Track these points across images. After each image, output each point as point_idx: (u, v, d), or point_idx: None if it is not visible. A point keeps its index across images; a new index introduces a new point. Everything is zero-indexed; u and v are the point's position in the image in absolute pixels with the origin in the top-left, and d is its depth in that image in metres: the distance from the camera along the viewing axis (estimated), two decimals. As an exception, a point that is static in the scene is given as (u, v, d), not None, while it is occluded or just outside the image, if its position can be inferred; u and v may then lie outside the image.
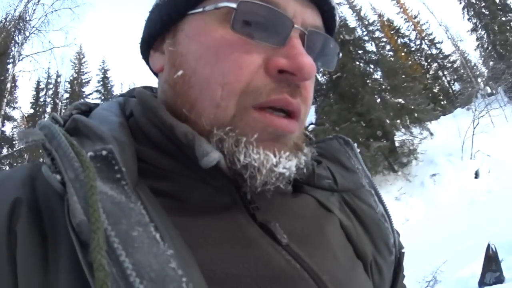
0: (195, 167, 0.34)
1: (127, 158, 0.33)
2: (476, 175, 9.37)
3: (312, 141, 0.53)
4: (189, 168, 0.36)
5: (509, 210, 5.25)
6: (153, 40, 0.43)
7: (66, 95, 20.23)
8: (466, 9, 19.06)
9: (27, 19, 10.83)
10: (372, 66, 10.87)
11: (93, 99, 21.64)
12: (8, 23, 11.13)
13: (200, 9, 0.37)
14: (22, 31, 10.90)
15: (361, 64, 10.69)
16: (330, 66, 0.44)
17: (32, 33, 10.66)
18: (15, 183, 0.32)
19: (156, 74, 0.45)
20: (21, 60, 10.68)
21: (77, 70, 21.37)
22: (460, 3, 19.18)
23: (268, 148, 0.35)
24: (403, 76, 11.43)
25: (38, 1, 10.68)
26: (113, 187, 0.29)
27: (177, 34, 0.39)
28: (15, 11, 10.91)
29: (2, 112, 10.12)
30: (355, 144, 0.55)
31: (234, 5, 0.35)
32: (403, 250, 0.52)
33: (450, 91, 19.07)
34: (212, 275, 0.30)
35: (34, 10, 10.77)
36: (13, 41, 11.18)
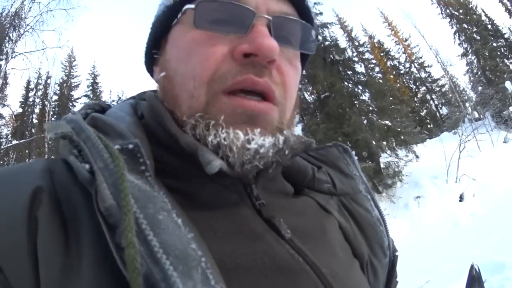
0: (203, 168, 0.36)
1: (147, 154, 0.36)
2: (461, 198, 9.42)
3: (312, 148, 0.53)
4: (197, 168, 0.37)
5: (492, 233, 5.31)
6: (153, 56, 0.48)
7: (55, 97, 20.06)
8: (457, 34, 19.49)
9: (23, 16, 10.67)
10: (360, 87, 10.95)
11: (81, 103, 21.45)
12: (3, 19, 10.97)
13: (175, 20, 0.43)
14: (17, 28, 10.71)
15: (349, 85, 10.77)
16: (306, 48, 0.45)
17: (26, 31, 10.50)
18: (35, 173, 0.34)
19: None
20: (14, 57, 10.44)
21: (67, 73, 21.26)
22: (452, 27, 19.63)
23: (238, 128, 0.37)
24: (391, 98, 11.58)
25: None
26: (137, 177, 0.32)
27: (166, 44, 0.44)
28: (11, 7, 10.79)
29: None
30: (353, 152, 0.57)
31: (193, 6, 0.40)
32: (396, 253, 0.55)
33: (437, 114, 19.37)
34: (223, 264, 0.31)
35: (30, 8, 10.63)
36: (7, 38, 11.00)
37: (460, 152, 10.33)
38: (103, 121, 0.39)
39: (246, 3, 0.39)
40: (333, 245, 0.44)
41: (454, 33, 19.65)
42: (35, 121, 19.11)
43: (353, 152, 0.58)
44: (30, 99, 19.57)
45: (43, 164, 0.36)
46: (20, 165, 0.38)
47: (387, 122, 10.70)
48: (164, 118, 0.40)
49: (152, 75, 0.49)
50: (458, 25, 19.43)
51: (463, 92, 18.60)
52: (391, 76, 19.51)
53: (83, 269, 0.28)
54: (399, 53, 21.87)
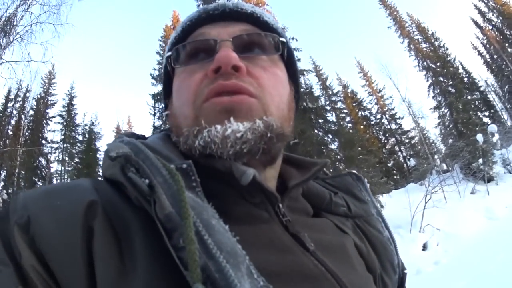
0: (236, 187, 0.42)
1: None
2: (424, 247, 9.51)
3: (329, 176, 0.63)
4: (231, 187, 0.44)
5: (454, 280, 5.41)
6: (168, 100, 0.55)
7: (32, 112, 19.89)
8: (432, 87, 20.16)
9: (14, 23, 10.55)
10: (330, 136, 11.30)
11: (55, 123, 21.12)
12: None
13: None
14: (7, 35, 10.56)
15: (319, 133, 11.11)
16: (270, 51, 0.50)
17: (15, 39, 10.33)
18: (86, 189, 0.39)
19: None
20: (0, 64, 10.20)
21: (45, 90, 21.17)
22: (428, 80, 20.28)
23: (217, 122, 0.42)
24: (360, 148, 11.95)
25: (28, 8, 10.46)
26: (190, 191, 0.36)
27: (172, 91, 0.52)
28: (6, 11, 10.69)
29: None
30: (365, 180, 0.65)
31: (169, 53, 0.51)
32: (405, 271, 0.61)
33: (405, 166, 19.77)
34: (259, 270, 0.34)
35: (22, 16, 10.54)
36: None
37: (426, 202, 10.50)
38: (151, 147, 0.44)
39: (209, 35, 0.49)
40: (351, 259, 0.49)
41: (429, 86, 20.16)
42: (10, 132, 18.68)
43: (365, 180, 0.65)
44: (8, 110, 19.26)
45: (89, 182, 0.41)
46: (69, 182, 0.43)
47: (354, 171, 10.97)
48: (190, 149, 0.45)
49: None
50: (434, 78, 19.90)
51: (433, 144, 19.11)
52: (361, 126, 19.90)
53: (137, 271, 0.32)
54: (371, 103, 22.57)
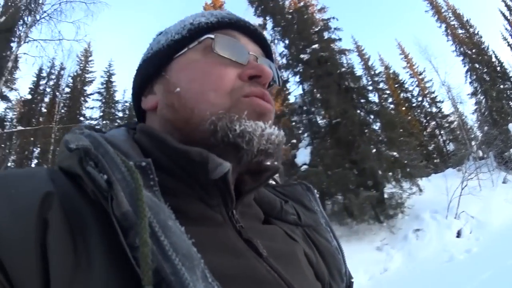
0: (195, 187, 0.44)
1: None
2: (458, 234, 9.39)
3: (279, 184, 0.65)
4: (190, 187, 0.44)
5: (484, 270, 5.37)
6: (143, 89, 0.54)
7: (67, 90, 19.97)
8: (469, 73, 19.67)
9: (40, 1, 10.53)
10: (372, 117, 10.99)
11: (94, 100, 21.27)
12: (18, 0, 10.88)
13: (185, 49, 0.51)
14: (32, 13, 10.56)
15: (361, 113, 10.81)
16: (276, 81, 0.56)
17: (42, 17, 10.29)
18: (42, 179, 0.37)
19: (143, 117, 0.55)
20: (27, 42, 10.22)
21: (82, 67, 21.07)
22: (464, 66, 19.80)
23: (257, 121, 0.46)
24: (401, 130, 11.59)
25: (54, -14, 10.31)
26: (147, 190, 0.36)
27: (167, 74, 0.51)
28: None
29: None
30: (315, 191, 0.66)
31: (212, 36, 0.50)
32: (352, 280, 0.61)
33: (444, 150, 19.36)
34: (213, 273, 0.34)
35: None
36: (21, 20, 10.90)
37: (462, 189, 10.32)
38: (111, 141, 0.43)
39: (241, 43, 0.52)
40: (301, 267, 0.50)
41: (466, 72, 19.82)
42: (43, 110, 18.96)
43: (315, 191, 0.66)
44: (41, 87, 19.46)
45: (45, 172, 0.40)
46: (25, 170, 0.40)
47: (395, 153, 10.72)
48: (167, 140, 0.45)
49: (138, 104, 0.56)
50: (470, 64, 19.59)
51: (470, 130, 18.65)
52: (403, 108, 19.56)
53: (92, 266, 0.31)
54: (412, 86, 22.14)
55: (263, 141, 0.45)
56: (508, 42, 24.11)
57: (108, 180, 0.34)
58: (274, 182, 0.66)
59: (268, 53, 0.58)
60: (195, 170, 0.43)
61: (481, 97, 19.24)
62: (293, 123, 12.29)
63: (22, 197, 0.34)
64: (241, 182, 0.50)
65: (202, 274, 0.33)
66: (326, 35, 11.53)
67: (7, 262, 0.30)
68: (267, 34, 11.85)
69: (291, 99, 12.26)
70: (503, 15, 23.62)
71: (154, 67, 0.53)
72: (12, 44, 11.28)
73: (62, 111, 18.76)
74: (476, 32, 21.52)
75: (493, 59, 21.04)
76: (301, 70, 11.15)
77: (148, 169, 0.38)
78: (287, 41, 11.86)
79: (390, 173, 10.83)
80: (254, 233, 0.47)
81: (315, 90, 10.91)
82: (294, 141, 11.77)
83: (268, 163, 0.50)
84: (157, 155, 0.45)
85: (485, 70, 19.60)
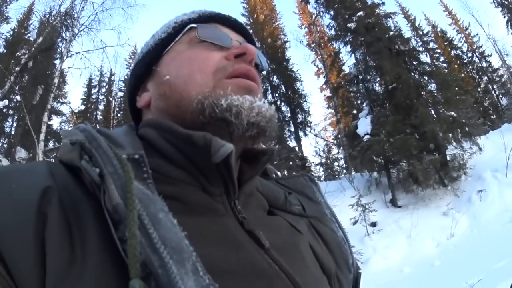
0: (198, 176, 0.45)
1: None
2: None
3: (282, 177, 0.65)
4: (192, 176, 0.45)
5: None
6: (137, 89, 0.57)
7: (120, 94, 20.63)
8: (509, 24, 18.18)
9: (75, 16, 10.91)
10: (426, 78, 10.64)
11: None
12: (53, 18, 11.32)
13: (172, 44, 0.54)
14: (70, 28, 11.03)
15: (415, 75, 10.50)
16: (264, 66, 0.59)
17: (81, 30, 10.68)
18: (42, 174, 0.38)
19: (139, 118, 0.57)
20: (70, 56, 10.70)
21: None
22: (504, 17, 18.29)
23: (244, 94, 0.46)
24: (456, 88, 11.15)
25: (86, -1, 10.63)
26: (140, 183, 0.36)
27: (158, 69, 0.53)
28: (59, 7, 11.05)
29: (49, 107, 10.23)
30: (318, 182, 0.67)
31: (195, 25, 0.53)
32: (359, 271, 0.61)
33: (499, 105, 18.21)
34: (209, 267, 0.34)
35: (83, 8, 10.81)
36: (60, 37, 11.40)
37: None
38: (107, 135, 0.43)
39: (228, 35, 0.54)
40: (305, 259, 0.49)
41: (506, 23, 18.19)
42: (99, 117, 19.76)
43: (318, 182, 0.66)
44: (93, 96, 20.25)
45: (46, 166, 0.41)
46: (25, 165, 0.42)
47: (452, 113, 10.37)
48: (173, 126, 0.46)
49: (134, 114, 0.59)
50: (509, 15, 18.06)
51: (520, 82, 17.34)
52: (456, 66, 18.50)
53: (87, 260, 0.32)
54: (461, 42, 20.78)
55: (253, 113, 0.45)
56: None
57: (100, 174, 0.35)
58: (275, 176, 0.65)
59: (251, 42, 0.59)
60: (197, 154, 0.44)
61: (526, 48, 17.69)
62: (351, 94, 12.18)
63: (22, 191, 0.35)
64: (240, 173, 0.50)
65: (192, 267, 0.32)
66: (369, 0, 11.20)
67: (7, 255, 0.31)
68: (311, 7, 11.64)
69: (346, 69, 12.13)
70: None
71: (145, 66, 0.55)
72: (55, 61, 11.77)
73: (118, 115, 19.62)
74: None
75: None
76: (350, 39, 10.97)
77: (142, 161, 0.38)
78: (332, 12, 11.71)
79: (450, 134, 10.51)
80: (257, 224, 0.46)
81: (367, 58, 10.73)
82: (355, 112, 11.68)
83: (263, 142, 0.50)
84: (162, 145, 0.46)
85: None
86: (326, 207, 0.62)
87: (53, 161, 0.45)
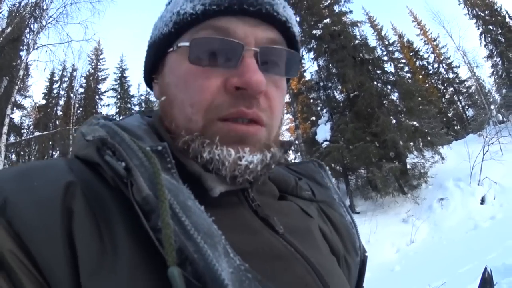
0: (212, 172, 0.43)
1: None
2: (482, 201, 9.31)
3: (292, 163, 0.66)
4: (208, 171, 0.43)
5: (509, 236, 5.37)
6: (152, 73, 0.52)
7: (81, 90, 20.04)
8: (483, 35, 19.03)
9: (44, 7, 10.52)
10: (389, 87, 10.82)
11: (109, 97, 21.34)
12: (22, 9, 10.83)
13: (171, 49, 0.47)
14: (38, 19, 10.60)
15: (378, 84, 10.64)
16: (291, 74, 0.49)
17: (49, 23, 10.33)
18: (62, 169, 0.38)
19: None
20: (36, 49, 10.34)
21: (93, 66, 21.16)
22: (478, 28, 19.14)
23: (231, 147, 0.42)
24: (419, 98, 11.39)
25: (57, -9, 10.38)
26: (166, 173, 0.37)
27: (164, 68, 0.49)
28: None
29: (12, 99, 9.84)
30: (327, 167, 0.66)
31: (187, 44, 0.43)
32: (366, 254, 0.62)
33: (464, 116, 18.95)
34: (233, 249, 0.35)
35: (52, 0, 10.46)
36: (28, 29, 10.90)
37: (483, 154, 10.15)
38: (127, 128, 0.44)
39: (234, 36, 0.43)
40: (317, 242, 0.50)
41: (480, 34, 19.18)
42: (59, 113, 19.16)
43: (327, 167, 0.65)
44: (55, 91, 19.63)
45: (64, 162, 0.40)
46: (44, 162, 0.41)
47: (414, 122, 10.57)
48: (171, 146, 0.43)
49: (151, 89, 0.55)
50: (484, 26, 18.95)
51: (489, 94, 18.18)
52: (420, 76, 19.14)
53: (119, 251, 0.32)
54: (428, 53, 21.59)
55: (238, 169, 0.42)
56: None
57: (126, 167, 0.35)
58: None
59: (287, 33, 0.48)
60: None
61: (497, 59, 18.66)
62: (311, 100, 12.20)
63: (45, 188, 0.35)
64: None
65: (224, 250, 0.33)
66: (336, 8, 11.30)
67: (35, 251, 0.31)
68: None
69: (307, 76, 12.16)
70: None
71: (155, 55, 0.50)
72: (21, 53, 11.32)
73: (78, 111, 18.91)
74: (488, -8, 20.69)
75: (507, 19, 20.28)
76: (314, 46, 11.01)
77: (165, 152, 0.38)
78: (298, 18, 11.63)
79: (412, 143, 10.71)
80: (271, 210, 0.47)
81: (330, 65, 10.79)
82: (313, 118, 11.72)
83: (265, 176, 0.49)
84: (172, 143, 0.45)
85: (500, 31, 18.92)
86: (334, 192, 0.63)
87: (69, 156, 0.44)
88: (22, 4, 10.85)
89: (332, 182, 0.64)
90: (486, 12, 19.57)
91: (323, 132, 10.13)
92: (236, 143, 0.42)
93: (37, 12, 10.66)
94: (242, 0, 0.43)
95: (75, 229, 0.32)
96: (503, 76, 18.03)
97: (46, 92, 19.29)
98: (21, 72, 10.23)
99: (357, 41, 10.69)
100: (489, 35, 18.89)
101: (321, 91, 11.19)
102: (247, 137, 0.43)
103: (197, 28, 0.44)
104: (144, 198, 0.33)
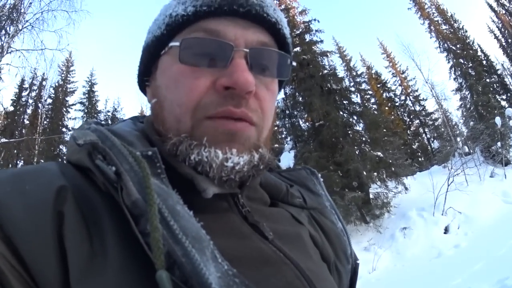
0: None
1: None
2: (446, 230, 9.48)
3: (285, 169, 0.65)
4: (198, 173, 0.43)
5: (473, 263, 5.46)
6: (145, 77, 0.53)
7: (49, 101, 19.66)
8: (453, 69, 19.84)
9: (22, 11, 10.24)
10: (355, 118, 11.04)
11: (76, 110, 21.02)
12: (0, 9, 10.49)
13: (163, 51, 0.48)
14: (14, 22, 10.25)
15: (344, 114, 10.85)
16: (282, 75, 0.49)
17: (25, 27, 10.05)
18: (54, 174, 0.38)
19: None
20: (10, 53, 9.95)
21: (63, 77, 20.85)
22: (449, 62, 19.96)
23: (219, 147, 0.42)
24: (385, 130, 11.67)
25: (36, -6, 10.02)
26: (155, 178, 0.37)
27: (156, 70, 0.49)
28: None
29: None
30: (319, 175, 0.66)
31: (177, 43, 0.44)
32: (358, 261, 0.62)
33: (429, 148, 19.52)
34: (221, 254, 0.35)
35: (30, 3, 10.19)
36: (3, 30, 10.47)
37: (448, 185, 10.40)
38: (117, 133, 0.44)
39: (225, 37, 0.44)
40: (307, 248, 0.51)
41: (450, 68, 19.93)
42: (26, 121, 18.62)
43: (319, 175, 0.66)
44: (23, 99, 19.14)
45: (56, 166, 0.41)
46: (36, 166, 0.41)
47: (379, 153, 10.78)
48: (162, 153, 0.43)
49: (145, 94, 0.55)
50: (454, 60, 19.75)
51: (455, 126, 18.81)
52: (386, 108, 19.74)
53: (109, 255, 0.33)
54: (395, 85, 22.26)
55: (226, 171, 0.42)
56: (495, 35, 24.44)
57: (116, 172, 0.36)
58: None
59: (278, 35, 0.48)
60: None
61: (466, 92, 19.41)
62: (276, 128, 12.28)
63: (37, 192, 0.35)
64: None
65: (211, 254, 0.34)
66: (307, 37, 11.55)
67: (26, 255, 0.31)
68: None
69: (273, 103, 12.23)
70: (490, 6, 23.93)
71: (148, 58, 0.51)
72: None
73: (45, 122, 18.45)
74: (460, 26, 21.69)
75: (479, 53, 21.26)
76: (282, 74, 11.11)
77: (155, 157, 0.39)
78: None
79: (375, 173, 10.88)
80: (261, 216, 0.48)
81: (297, 94, 10.94)
82: (277, 145, 11.79)
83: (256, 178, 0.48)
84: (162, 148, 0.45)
85: (470, 65, 19.78)
86: (326, 199, 0.63)
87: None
88: (0, 4, 10.60)
89: (324, 190, 0.64)
90: (458, 45, 20.48)
91: (286, 160, 10.19)
92: (224, 142, 0.43)
93: (14, 15, 10.37)
94: (232, 1, 0.44)
95: (66, 232, 0.33)
96: (472, 109, 18.72)
97: (15, 99, 18.78)
98: (-7, 75, 9.92)
99: (325, 71, 10.95)
100: (459, 68, 19.66)
101: (286, 119, 11.31)
102: (235, 134, 0.43)
103: (189, 30, 0.45)
104: (133, 202, 0.34)
